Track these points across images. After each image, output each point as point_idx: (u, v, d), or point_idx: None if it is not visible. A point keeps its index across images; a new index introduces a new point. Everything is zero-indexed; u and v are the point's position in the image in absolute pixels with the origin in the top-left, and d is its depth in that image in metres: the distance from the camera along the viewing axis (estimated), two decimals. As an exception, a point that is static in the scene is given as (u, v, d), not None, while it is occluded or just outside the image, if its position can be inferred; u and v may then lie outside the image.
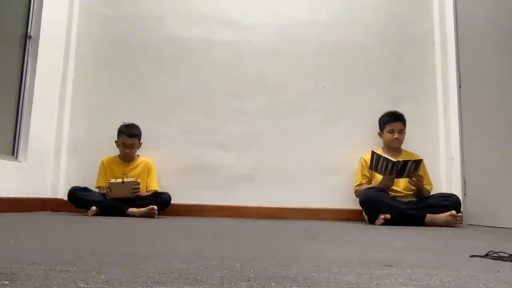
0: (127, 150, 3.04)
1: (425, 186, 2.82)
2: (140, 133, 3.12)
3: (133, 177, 3.03)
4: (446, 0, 3.35)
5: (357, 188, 2.99)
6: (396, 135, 2.96)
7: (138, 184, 2.83)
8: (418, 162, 2.68)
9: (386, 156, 2.67)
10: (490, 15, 2.89)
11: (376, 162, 2.70)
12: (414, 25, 3.46)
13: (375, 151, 2.76)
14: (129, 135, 3.03)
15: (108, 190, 2.79)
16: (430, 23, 3.45)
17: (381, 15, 3.47)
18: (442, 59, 3.35)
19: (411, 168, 2.66)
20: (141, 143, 3.14)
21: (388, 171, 2.66)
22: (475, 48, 3.04)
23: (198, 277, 0.77)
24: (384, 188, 2.73)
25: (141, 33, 3.48)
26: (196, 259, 0.98)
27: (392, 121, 2.99)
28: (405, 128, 3.02)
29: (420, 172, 2.78)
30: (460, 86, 3.18)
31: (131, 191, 2.81)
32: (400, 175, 2.69)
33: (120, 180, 2.80)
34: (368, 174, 2.97)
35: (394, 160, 2.62)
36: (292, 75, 3.42)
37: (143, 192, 2.94)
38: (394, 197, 2.74)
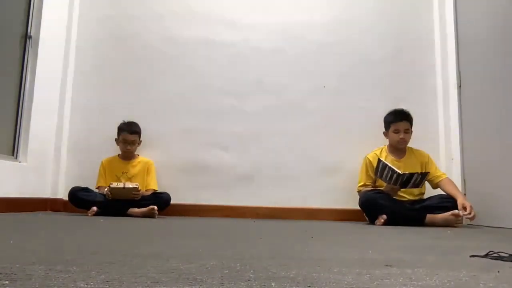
0: (128, 147, 3.05)
1: (437, 175, 2.80)
2: (140, 130, 3.14)
3: (133, 175, 3.05)
4: (446, 0, 3.35)
5: (360, 188, 2.89)
6: (401, 136, 2.83)
7: (139, 190, 2.83)
8: (424, 175, 2.65)
9: (392, 166, 2.59)
10: (490, 15, 2.89)
11: (381, 170, 2.64)
12: (414, 25, 3.46)
13: (381, 158, 2.70)
14: (131, 132, 3.06)
15: (109, 193, 2.79)
16: (430, 23, 3.45)
17: (381, 15, 3.48)
18: (442, 59, 3.35)
19: (417, 180, 2.61)
20: (141, 141, 3.15)
21: (392, 181, 2.61)
22: (475, 48, 3.04)
23: (198, 277, 0.77)
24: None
25: (141, 33, 3.48)
26: (196, 259, 0.98)
27: (397, 120, 2.85)
28: (411, 126, 2.88)
29: (428, 166, 2.82)
30: (460, 86, 3.18)
31: (131, 196, 2.81)
32: (404, 186, 2.64)
33: (121, 184, 2.80)
34: (373, 176, 2.87)
35: (400, 172, 2.56)
36: (292, 75, 3.42)
37: (142, 192, 2.94)
38: (395, 199, 2.71)
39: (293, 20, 3.48)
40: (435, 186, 2.83)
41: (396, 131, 2.86)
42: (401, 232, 2.06)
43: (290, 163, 3.31)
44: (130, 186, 2.80)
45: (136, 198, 2.83)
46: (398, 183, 2.61)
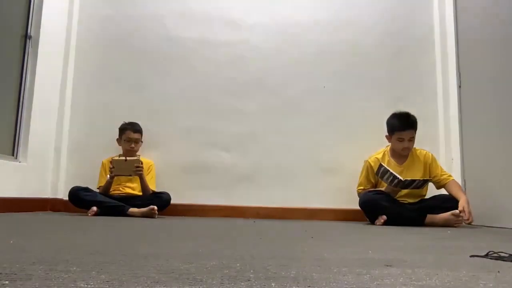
0: (133, 145, 3.07)
1: (442, 177, 2.76)
2: (142, 130, 3.17)
3: (133, 176, 3.04)
4: (446, 0, 3.35)
5: (360, 191, 2.85)
6: (406, 145, 2.74)
7: (141, 163, 2.85)
8: (426, 181, 2.64)
9: (393, 172, 2.56)
10: (490, 15, 2.89)
11: (382, 174, 2.62)
12: (414, 25, 3.46)
13: (383, 163, 2.67)
14: (134, 130, 3.10)
15: (112, 167, 2.81)
16: (430, 23, 3.45)
17: (381, 15, 3.48)
18: (442, 59, 3.35)
19: (418, 184, 2.59)
20: (142, 141, 3.18)
21: (393, 184, 2.59)
22: (475, 48, 3.04)
23: (198, 277, 0.77)
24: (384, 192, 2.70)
25: (141, 33, 3.48)
26: (196, 259, 0.98)
27: (402, 129, 2.73)
28: (416, 132, 2.78)
29: (433, 167, 2.79)
30: (460, 86, 3.18)
31: (133, 170, 2.83)
32: (405, 188, 2.63)
33: (123, 158, 2.83)
34: (373, 180, 2.84)
35: (401, 178, 2.54)
36: (292, 75, 3.42)
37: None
38: (395, 199, 2.69)
39: (293, 20, 3.48)
40: (440, 187, 2.81)
41: (400, 140, 2.75)
42: (401, 232, 2.06)
43: (290, 163, 3.31)
44: (132, 158, 2.84)
45: (139, 172, 2.84)
46: (399, 186, 2.61)
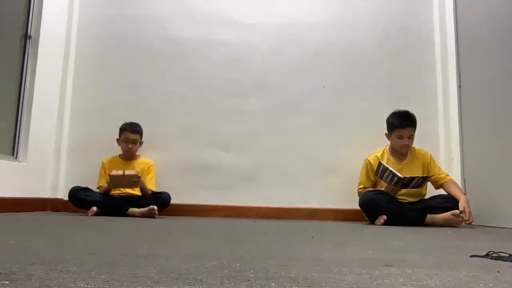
0: (130, 146, 3.06)
1: (440, 176, 2.77)
2: (142, 131, 3.16)
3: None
4: (446, 0, 3.35)
5: (360, 190, 2.86)
6: (405, 142, 2.77)
7: (139, 177, 2.84)
8: (425, 178, 2.65)
9: (392, 170, 2.57)
10: (490, 15, 2.89)
11: (382, 172, 2.63)
12: (414, 25, 3.47)
13: (382, 161, 2.69)
14: (132, 131, 3.08)
15: (109, 182, 2.80)
16: (430, 23, 3.45)
17: (381, 15, 3.48)
18: (442, 59, 3.35)
19: (417, 182, 2.60)
20: (142, 142, 3.17)
21: (393, 183, 2.59)
22: (475, 48, 3.04)
23: (198, 277, 0.77)
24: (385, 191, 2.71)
25: (141, 33, 3.48)
26: (196, 259, 0.98)
27: (402, 127, 2.77)
28: (415, 129, 2.81)
29: (431, 167, 2.80)
30: (460, 86, 3.18)
31: (132, 183, 2.83)
32: (405, 187, 2.63)
33: (121, 172, 2.81)
34: (373, 179, 2.85)
35: (400, 175, 2.55)
36: (292, 75, 3.42)
37: (143, 180, 2.94)
38: (395, 199, 2.70)
39: (293, 20, 3.48)
40: (438, 187, 2.82)
41: (400, 137, 2.79)
42: (401, 232, 2.06)
43: (290, 163, 3.31)
44: (130, 173, 2.81)
45: (138, 185, 2.85)
46: (399, 185, 2.61)
